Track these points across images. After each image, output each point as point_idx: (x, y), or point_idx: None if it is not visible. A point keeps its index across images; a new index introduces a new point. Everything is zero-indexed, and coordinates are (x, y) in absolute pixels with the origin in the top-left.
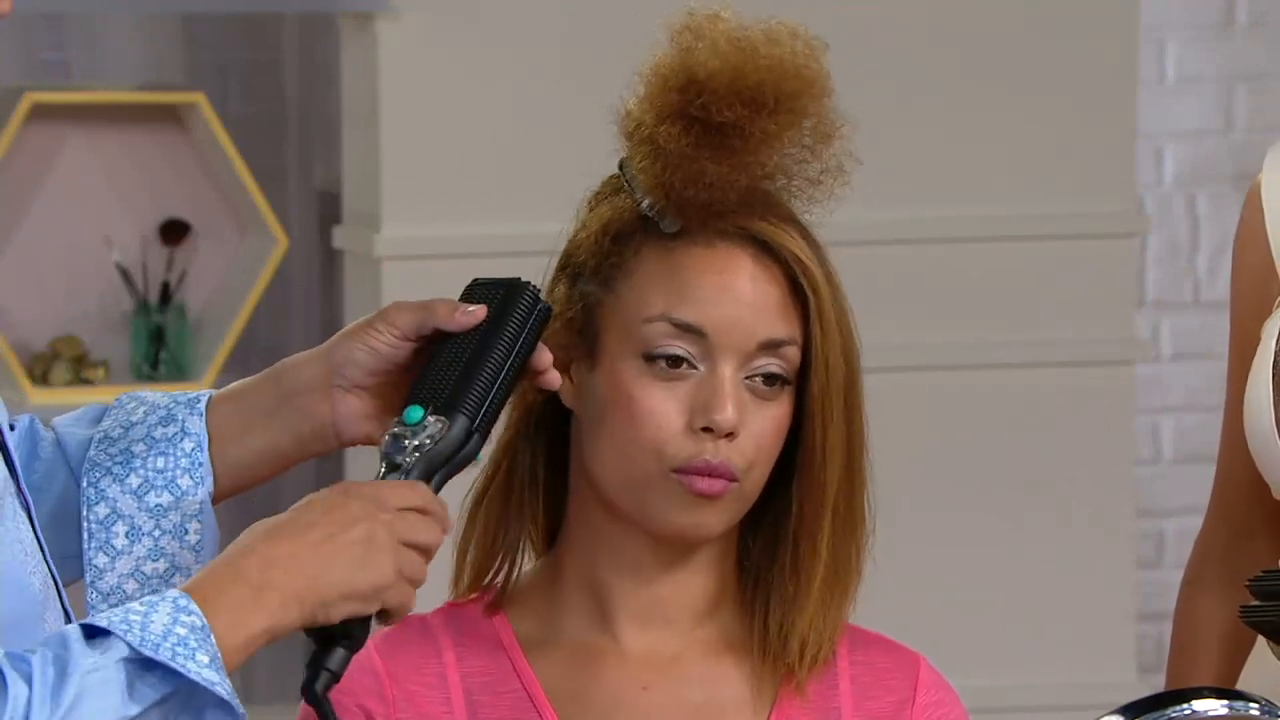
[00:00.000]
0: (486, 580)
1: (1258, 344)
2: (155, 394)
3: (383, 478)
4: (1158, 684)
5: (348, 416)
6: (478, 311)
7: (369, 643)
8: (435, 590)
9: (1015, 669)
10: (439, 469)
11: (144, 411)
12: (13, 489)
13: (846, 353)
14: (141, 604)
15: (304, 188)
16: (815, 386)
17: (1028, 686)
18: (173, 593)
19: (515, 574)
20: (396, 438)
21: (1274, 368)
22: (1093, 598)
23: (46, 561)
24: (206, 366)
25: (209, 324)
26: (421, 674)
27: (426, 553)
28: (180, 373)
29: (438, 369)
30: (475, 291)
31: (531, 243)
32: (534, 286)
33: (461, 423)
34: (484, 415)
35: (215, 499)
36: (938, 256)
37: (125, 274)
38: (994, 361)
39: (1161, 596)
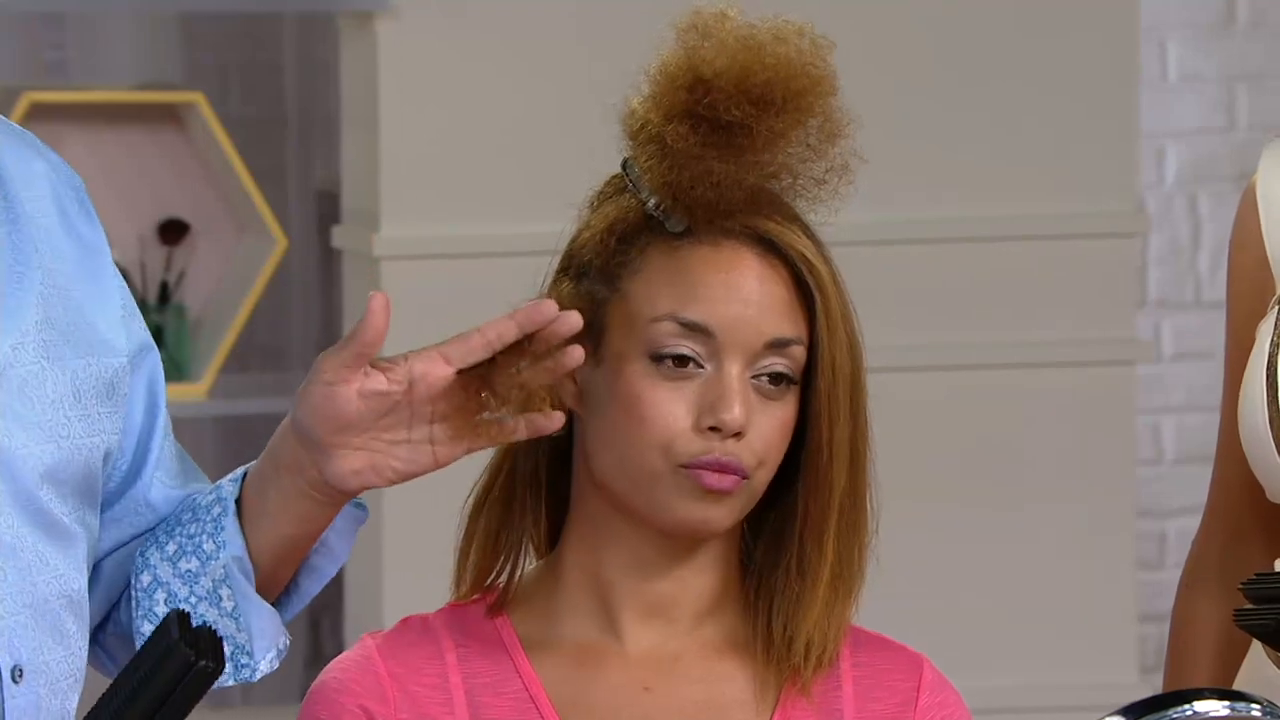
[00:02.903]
0: (489, 581)
1: (1253, 345)
2: (240, 469)
3: None
4: (1159, 685)
5: (336, 475)
6: (377, 303)
7: (370, 643)
8: (437, 591)
9: (1016, 670)
10: None
11: (214, 486)
12: None
13: (852, 352)
14: None
15: (303, 187)
16: (822, 385)
17: (1029, 687)
18: None
19: (518, 574)
20: None
21: (1269, 368)
22: (1094, 599)
23: None
24: (205, 367)
25: (208, 324)
26: (423, 675)
27: None
28: (179, 373)
29: None
30: (162, 630)
31: (531, 243)
32: (190, 654)
33: None
34: None
35: (261, 569)
36: (938, 256)
37: (124, 273)
38: (995, 362)
39: (1163, 597)
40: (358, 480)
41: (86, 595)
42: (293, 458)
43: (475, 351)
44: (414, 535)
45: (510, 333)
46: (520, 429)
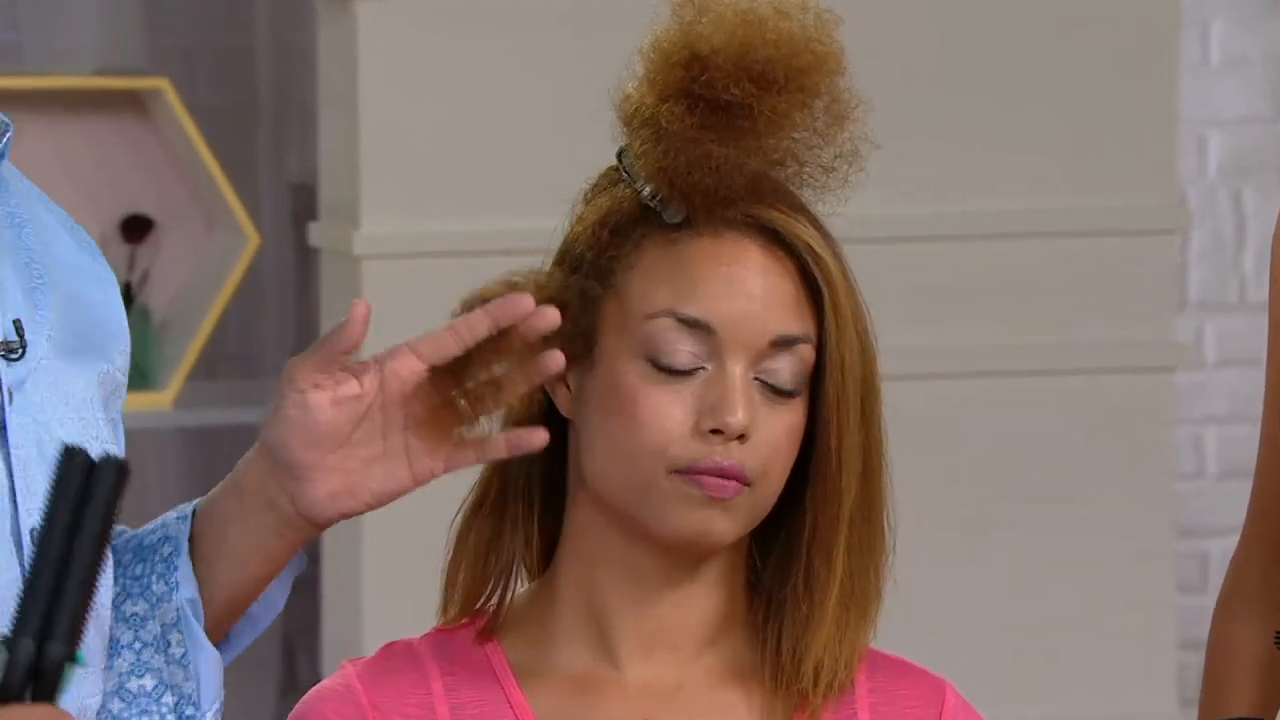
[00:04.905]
0: (478, 604)
1: None
2: (187, 505)
3: None
4: None
5: (312, 502)
6: (359, 311)
7: (351, 670)
8: (422, 614)
9: (1046, 698)
10: (20, 692)
11: (158, 522)
12: None
13: (863, 353)
14: None
15: (277, 181)
16: (831, 388)
17: (1059, 717)
18: None
19: (509, 597)
20: None
21: None
22: (1130, 623)
23: None
24: (171, 374)
25: (174, 328)
26: (407, 705)
27: None
28: (143, 380)
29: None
30: (60, 459)
31: (520, 240)
32: (87, 453)
33: (25, 647)
34: (54, 625)
35: (211, 616)
36: (963, 254)
37: None
38: (1024, 367)
39: (1204, 623)
40: (334, 506)
41: (109, 609)
42: (262, 490)
43: (447, 346)
44: (396, 554)
45: (482, 326)
46: (501, 447)
